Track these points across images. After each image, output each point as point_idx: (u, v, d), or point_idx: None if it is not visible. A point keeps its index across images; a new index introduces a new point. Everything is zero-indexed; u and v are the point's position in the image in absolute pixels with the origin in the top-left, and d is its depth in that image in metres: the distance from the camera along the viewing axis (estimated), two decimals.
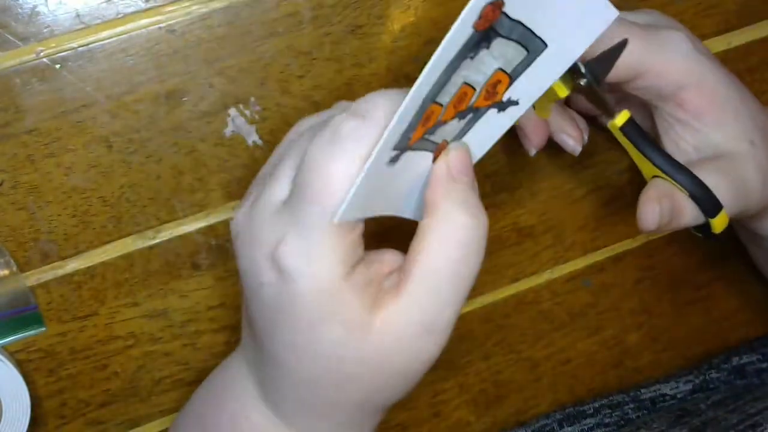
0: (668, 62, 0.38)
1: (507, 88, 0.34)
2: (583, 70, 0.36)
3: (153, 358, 0.44)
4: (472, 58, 0.30)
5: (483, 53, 0.31)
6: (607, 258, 0.51)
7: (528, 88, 0.34)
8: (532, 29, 0.32)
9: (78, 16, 0.38)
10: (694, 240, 0.53)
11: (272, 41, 0.40)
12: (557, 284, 0.51)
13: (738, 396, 0.49)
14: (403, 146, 0.31)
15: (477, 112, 0.33)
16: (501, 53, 0.31)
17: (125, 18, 0.38)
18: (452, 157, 0.34)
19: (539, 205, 0.49)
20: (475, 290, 0.49)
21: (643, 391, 0.52)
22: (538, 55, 0.33)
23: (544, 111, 0.39)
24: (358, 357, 0.32)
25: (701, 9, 0.47)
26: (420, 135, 0.31)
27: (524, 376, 0.52)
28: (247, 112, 0.41)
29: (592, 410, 0.51)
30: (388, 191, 0.32)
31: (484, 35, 0.30)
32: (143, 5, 0.38)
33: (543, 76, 0.34)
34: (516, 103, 0.35)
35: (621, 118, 0.38)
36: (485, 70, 0.32)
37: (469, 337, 0.50)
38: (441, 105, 0.31)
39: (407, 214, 0.35)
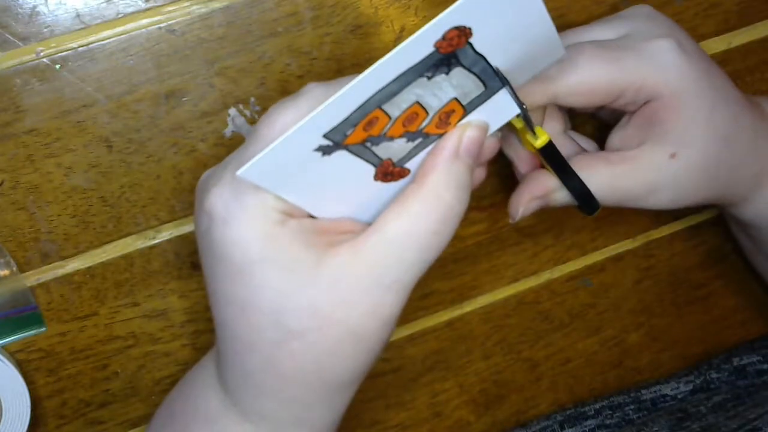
0: (646, 79, 0.37)
1: (460, 120, 0.34)
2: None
3: (153, 358, 0.44)
4: (429, 78, 0.30)
5: (441, 77, 0.31)
6: (607, 258, 0.51)
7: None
8: (493, 67, 0.32)
9: (78, 16, 0.38)
10: (694, 240, 0.53)
11: (272, 41, 0.40)
12: (557, 284, 0.51)
13: (739, 398, 0.49)
14: (337, 140, 0.30)
15: (426, 139, 0.33)
16: (459, 84, 0.32)
17: (125, 18, 0.38)
18: (468, 135, 0.33)
19: None
20: (475, 290, 0.50)
21: (643, 391, 0.52)
22: (494, 93, 0.33)
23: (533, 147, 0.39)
24: (302, 306, 0.31)
25: (701, 9, 0.47)
26: (361, 138, 0.31)
27: (524, 376, 0.52)
28: (247, 112, 0.41)
29: (592, 411, 0.51)
30: (313, 183, 0.32)
31: (445, 59, 0.30)
32: (143, 5, 0.38)
33: (496, 114, 0.35)
34: None
35: (541, 141, 0.38)
36: (441, 96, 0.32)
37: (469, 337, 0.50)
38: (389, 116, 0.31)
39: (332, 213, 0.34)
